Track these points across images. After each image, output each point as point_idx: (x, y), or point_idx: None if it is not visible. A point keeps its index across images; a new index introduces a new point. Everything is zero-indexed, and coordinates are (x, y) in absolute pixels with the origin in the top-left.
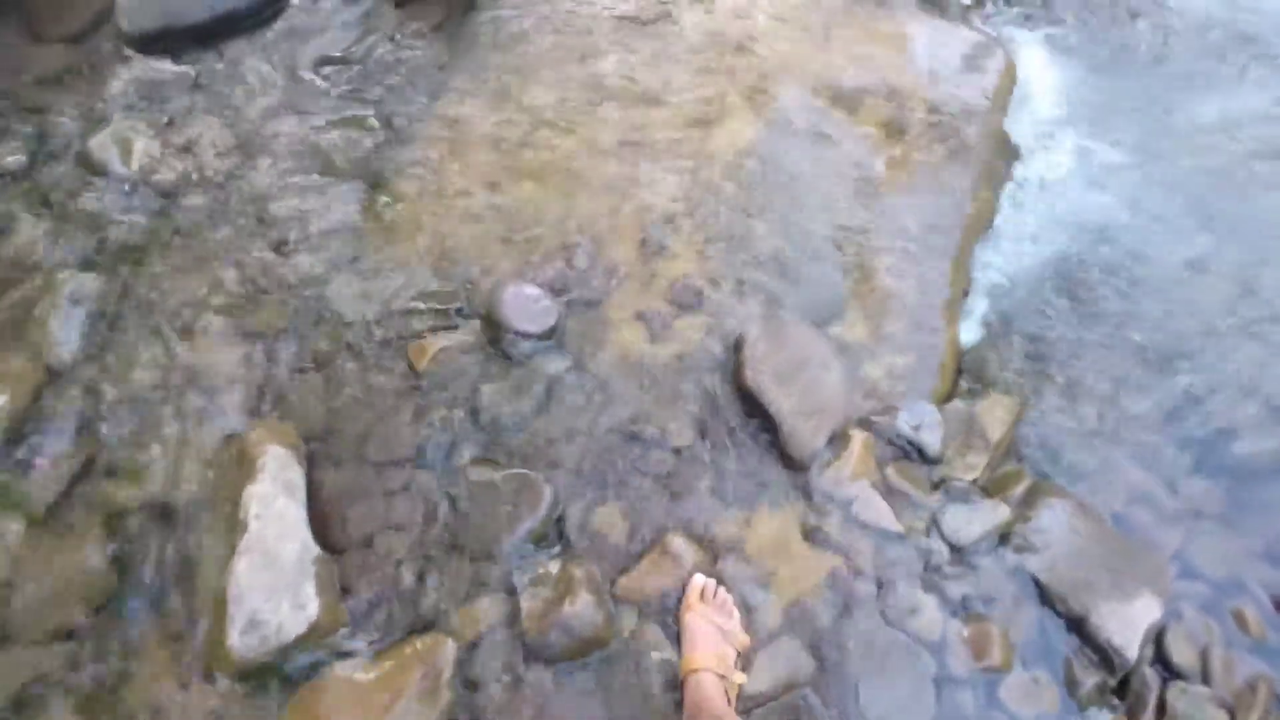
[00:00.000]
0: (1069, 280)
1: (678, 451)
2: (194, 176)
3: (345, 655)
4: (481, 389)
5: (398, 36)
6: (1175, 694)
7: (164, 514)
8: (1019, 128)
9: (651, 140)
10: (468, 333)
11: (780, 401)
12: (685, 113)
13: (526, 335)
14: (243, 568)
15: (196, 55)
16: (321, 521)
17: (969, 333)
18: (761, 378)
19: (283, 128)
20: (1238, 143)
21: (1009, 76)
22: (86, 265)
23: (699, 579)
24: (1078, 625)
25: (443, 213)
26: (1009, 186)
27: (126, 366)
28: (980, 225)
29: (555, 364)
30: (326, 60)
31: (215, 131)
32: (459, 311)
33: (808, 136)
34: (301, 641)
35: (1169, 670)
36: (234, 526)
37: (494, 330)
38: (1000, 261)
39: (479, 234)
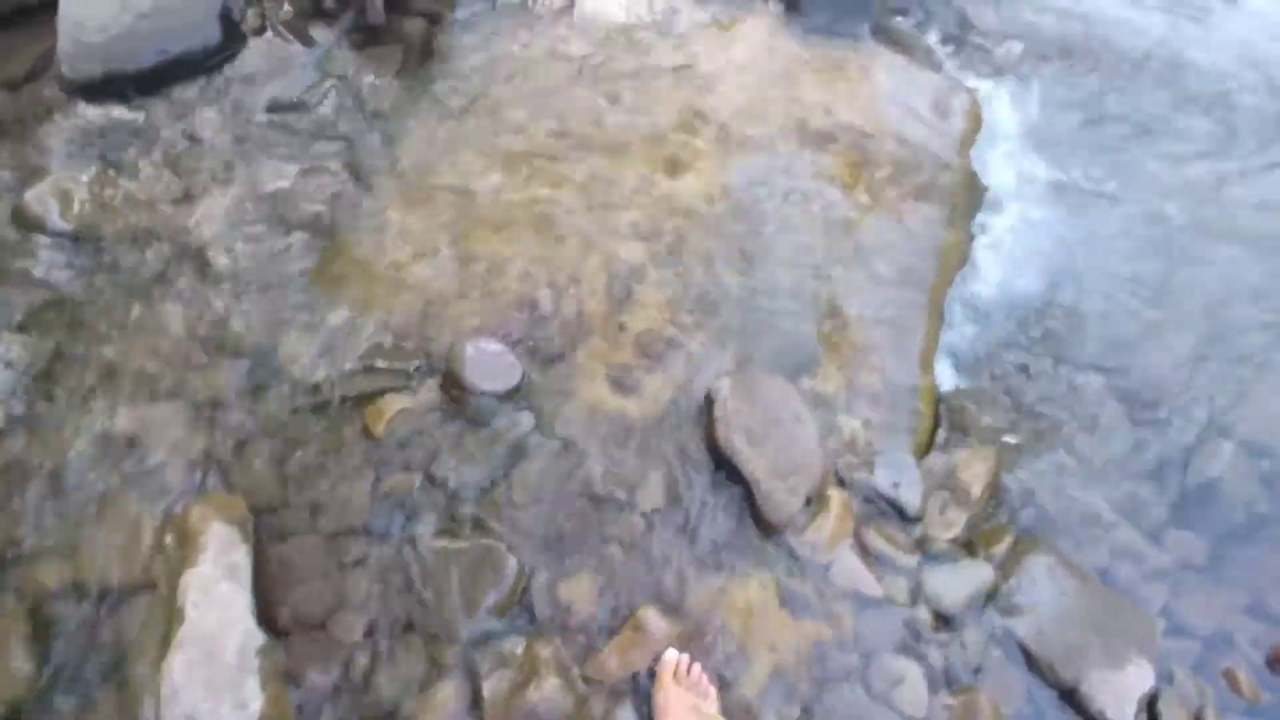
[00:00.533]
0: (1044, 321)
1: (648, 515)
2: (138, 229)
3: None
4: (442, 453)
5: (355, 82)
6: None
7: (96, 599)
8: (988, 168)
9: (618, 188)
10: (427, 392)
11: (754, 462)
12: (651, 159)
13: (489, 394)
14: (179, 663)
15: (143, 101)
16: (269, 601)
17: (946, 378)
18: (734, 437)
19: (233, 176)
20: (1205, 178)
21: (975, 118)
22: (18, 328)
23: (671, 656)
24: (1068, 695)
25: (400, 266)
26: (980, 227)
27: (58, 437)
28: (953, 267)
29: (519, 424)
30: (280, 105)
31: (162, 181)
32: (418, 370)
33: (777, 180)
34: None
35: None
36: (171, 615)
37: (455, 389)
38: (974, 303)
39: (439, 288)
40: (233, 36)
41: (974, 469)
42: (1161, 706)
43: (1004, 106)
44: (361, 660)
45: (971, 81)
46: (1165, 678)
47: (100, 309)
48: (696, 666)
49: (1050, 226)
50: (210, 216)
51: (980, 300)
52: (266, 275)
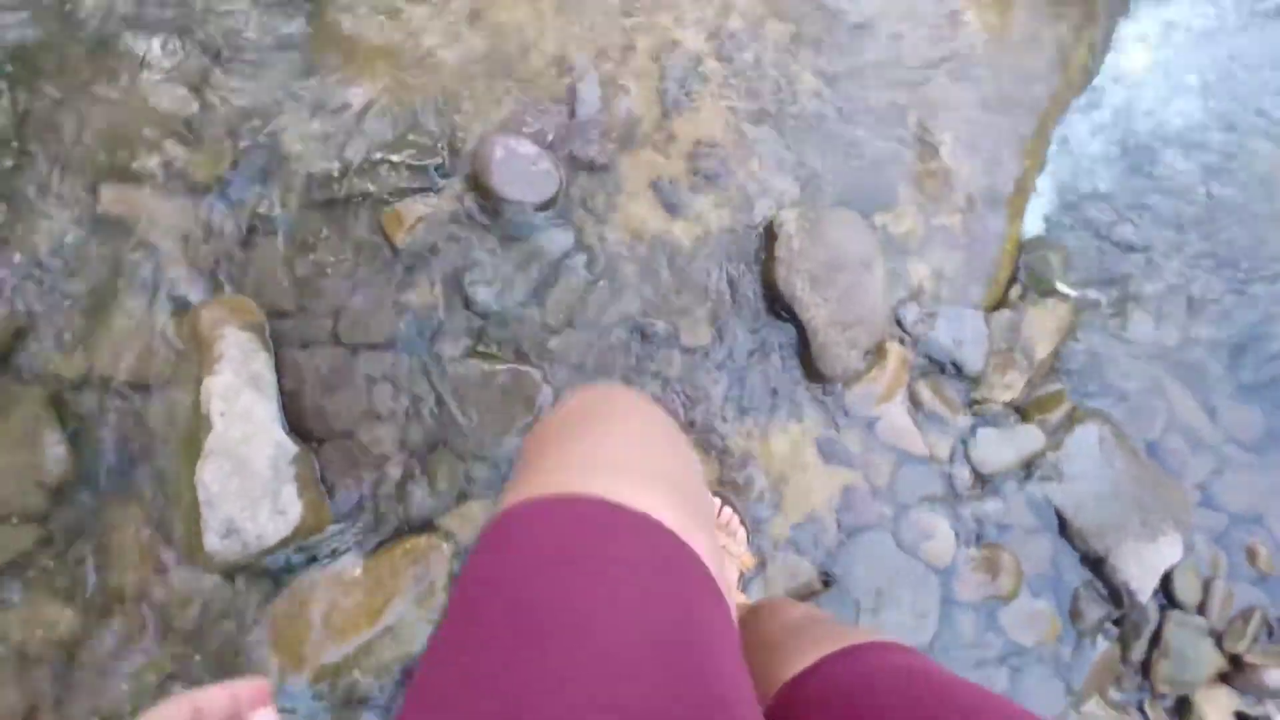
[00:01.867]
0: (1159, 174)
1: (691, 352)
2: None
3: (333, 553)
4: (469, 267)
5: None
6: (1171, 626)
7: (116, 392)
8: None
9: None
10: (450, 197)
11: (814, 310)
12: None
13: (521, 204)
14: (211, 473)
15: None
16: (296, 408)
17: (1033, 223)
18: (795, 281)
19: None
20: None
21: None
22: None
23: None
24: (1094, 563)
25: (413, 31)
26: (1113, 44)
27: (40, 216)
28: (1071, 91)
29: (554, 240)
30: None
31: None
32: (439, 169)
33: None
34: (286, 542)
35: (1170, 601)
36: (197, 422)
37: (482, 196)
38: (1083, 140)
39: (459, 64)
40: None
41: (1043, 328)
42: (1176, 573)
43: None
44: (394, 473)
45: None
46: (1187, 548)
47: (64, 65)
48: (727, 509)
49: (1202, 49)
50: None
51: (1092, 134)
52: (253, 35)
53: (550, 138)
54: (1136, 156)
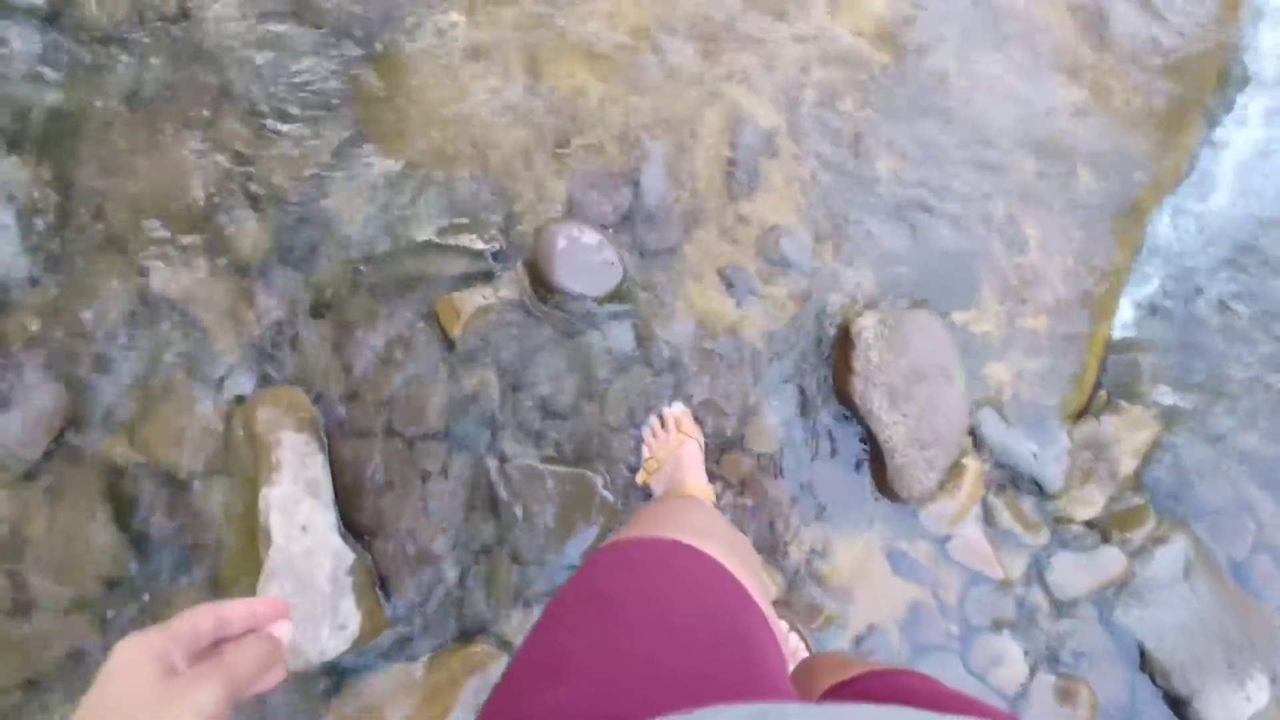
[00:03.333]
0: (1260, 270)
1: (758, 457)
2: (129, 17)
3: (390, 655)
4: (527, 360)
5: None
6: None
7: (169, 480)
8: (1258, 42)
9: (752, 9)
10: (508, 286)
11: (893, 429)
12: None
13: (582, 297)
14: (274, 594)
15: None
16: (349, 502)
17: (1124, 319)
18: (873, 396)
19: None
20: None
21: None
22: (10, 145)
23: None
24: (1175, 703)
25: (465, 100)
26: (1220, 131)
27: (89, 295)
28: (1172, 181)
29: (616, 333)
30: None
31: None
32: (495, 255)
33: (972, 21)
34: (345, 653)
35: None
36: (255, 526)
37: (542, 287)
38: (1181, 231)
39: (515, 137)
40: None
41: (1128, 438)
42: None
43: None
44: (450, 574)
45: None
46: (1274, 684)
47: (103, 128)
48: (794, 635)
49: None
50: (219, 4)
51: (1192, 225)
52: (300, 104)
53: (613, 219)
54: (1237, 250)
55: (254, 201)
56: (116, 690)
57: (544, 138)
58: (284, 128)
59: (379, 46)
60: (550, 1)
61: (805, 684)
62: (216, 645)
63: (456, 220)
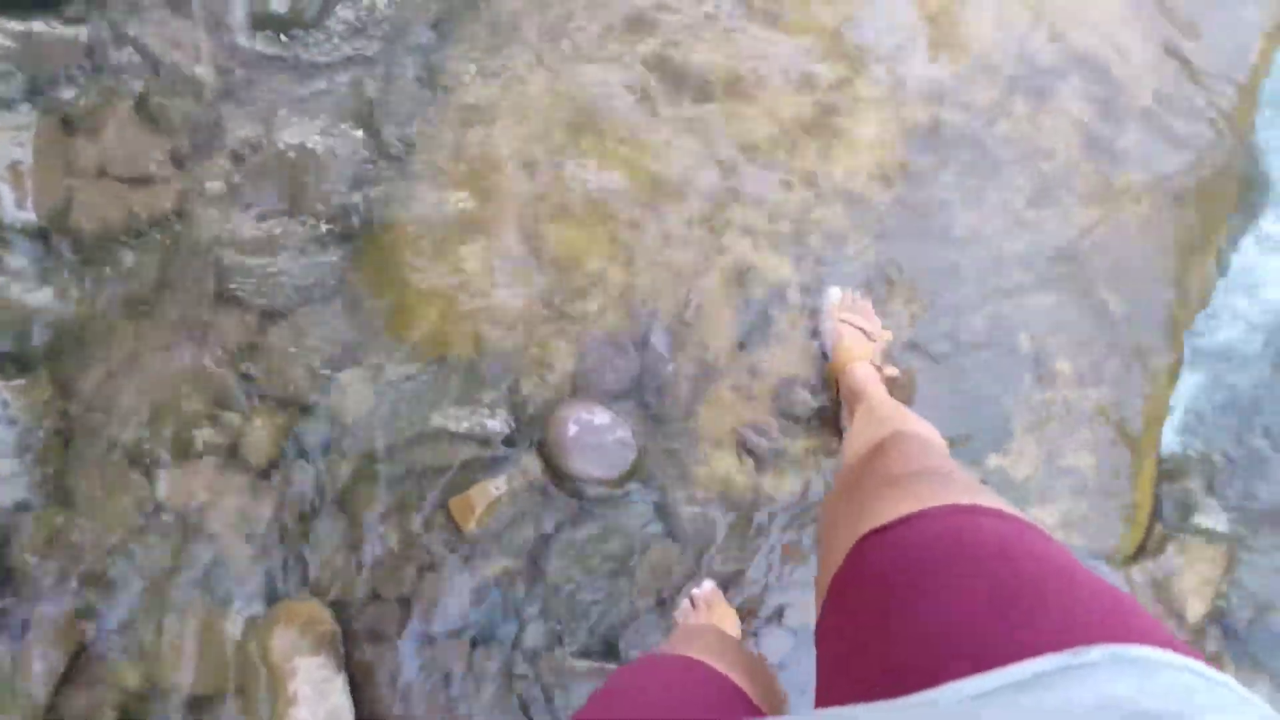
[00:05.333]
0: None
1: (796, 632)
2: (122, 221)
3: None
4: (546, 547)
5: None
6: None
7: (183, 704)
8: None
9: (742, 154)
10: (521, 474)
11: None
12: (790, 108)
13: (598, 482)
14: None
15: (80, 8)
16: (372, 710)
17: (1174, 440)
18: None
19: (223, 140)
20: None
21: (1266, 54)
22: (10, 362)
23: (836, 292)
24: None
25: (464, 276)
26: (1249, 237)
27: (97, 510)
28: (1202, 294)
29: (637, 510)
30: (271, 22)
31: (132, 141)
32: (505, 441)
33: (974, 155)
34: None
35: None
36: None
37: (555, 474)
38: (1223, 340)
39: (517, 310)
40: None
41: (1194, 578)
42: None
43: None
44: None
45: None
46: None
47: (104, 336)
48: (859, 295)
49: None
50: (208, 192)
51: (1235, 331)
52: (300, 293)
53: (623, 386)
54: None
55: (259, 400)
56: None
57: (547, 308)
58: (285, 321)
59: (375, 230)
60: (544, 167)
61: (852, 490)
62: None
63: (465, 404)
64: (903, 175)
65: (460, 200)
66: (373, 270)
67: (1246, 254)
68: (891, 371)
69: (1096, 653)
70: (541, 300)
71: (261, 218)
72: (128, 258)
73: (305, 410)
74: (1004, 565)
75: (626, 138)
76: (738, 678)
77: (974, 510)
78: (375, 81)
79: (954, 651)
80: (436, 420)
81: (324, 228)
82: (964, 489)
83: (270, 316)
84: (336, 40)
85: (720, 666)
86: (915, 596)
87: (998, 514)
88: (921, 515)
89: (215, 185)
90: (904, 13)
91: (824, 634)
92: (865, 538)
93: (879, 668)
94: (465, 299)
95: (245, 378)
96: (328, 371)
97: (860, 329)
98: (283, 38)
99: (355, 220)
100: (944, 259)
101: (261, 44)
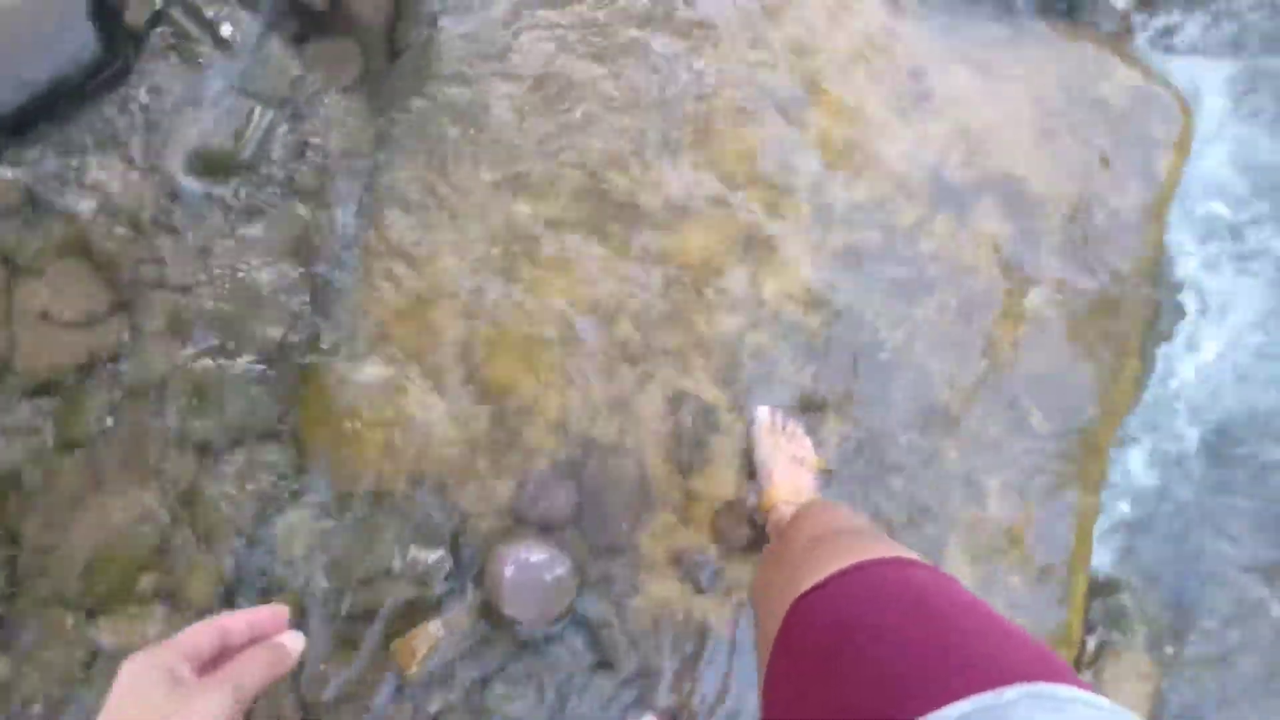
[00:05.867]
0: (1244, 472)
1: None
2: (69, 362)
3: None
4: (487, 689)
5: (300, 104)
6: None
7: None
8: (1188, 238)
9: (673, 280)
10: (461, 615)
11: None
12: (721, 230)
13: (536, 623)
14: None
15: (16, 154)
16: None
17: (1104, 558)
18: None
19: (172, 268)
20: None
21: (1183, 149)
22: None
23: (765, 412)
24: None
25: (401, 411)
26: (1168, 345)
27: (39, 664)
28: (1124, 411)
29: (577, 643)
30: (208, 163)
31: (73, 279)
32: (447, 578)
33: (898, 274)
34: None
35: None
36: None
37: (496, 617)
38: (1147, 458)
39: (455, 444)
40: (117, 40)
41: (1129, 692)
42: None
43: (1223, 117)
44: None
45: (1185, 71)
46: None
47: (48, 479)
48: (792, 421)
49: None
50: (150, 339)
51: (1157, 447)
52: (240, 432)
53: (561, 516)
54: (1209, 464)
55: (202, 539)
56: (129, 704)
57: (485, 440)
58: (226, 460)
59: (313, 367)
60: (480, 298)
61: (782, 558)
62: (222, 656)
63: (404, 542)
64: (829, 297)
65: (397, 334)
66: (312, 407)
67: (1166, 363)
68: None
69: (1014, 692)
70: (480, 433)
71: (202, 356)
72: (69, 400)
73: (247, 550)
74: (937, 613)
75: (560, 267)
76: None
77: (901, 562)
78: (312, 218)
79: (904, 693)
80: (377, 559)
81: (261, 366)
82: (888, 545)
83: (212, 455)
84: (274, 178)
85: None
86: (862, 642)
87: (923, 566)
88: (857, 569)
89: (156, 324)
90: (821, 140)
91: (770, 685)
92: (805, 595)
93: (829, 710)
94: (403, 435)
95: (188, 520)
96: (269, 511)
97: (793, 456)
98: (221, 177)
99: (294, 357)
100: (872, 379)
101: (200, 183)
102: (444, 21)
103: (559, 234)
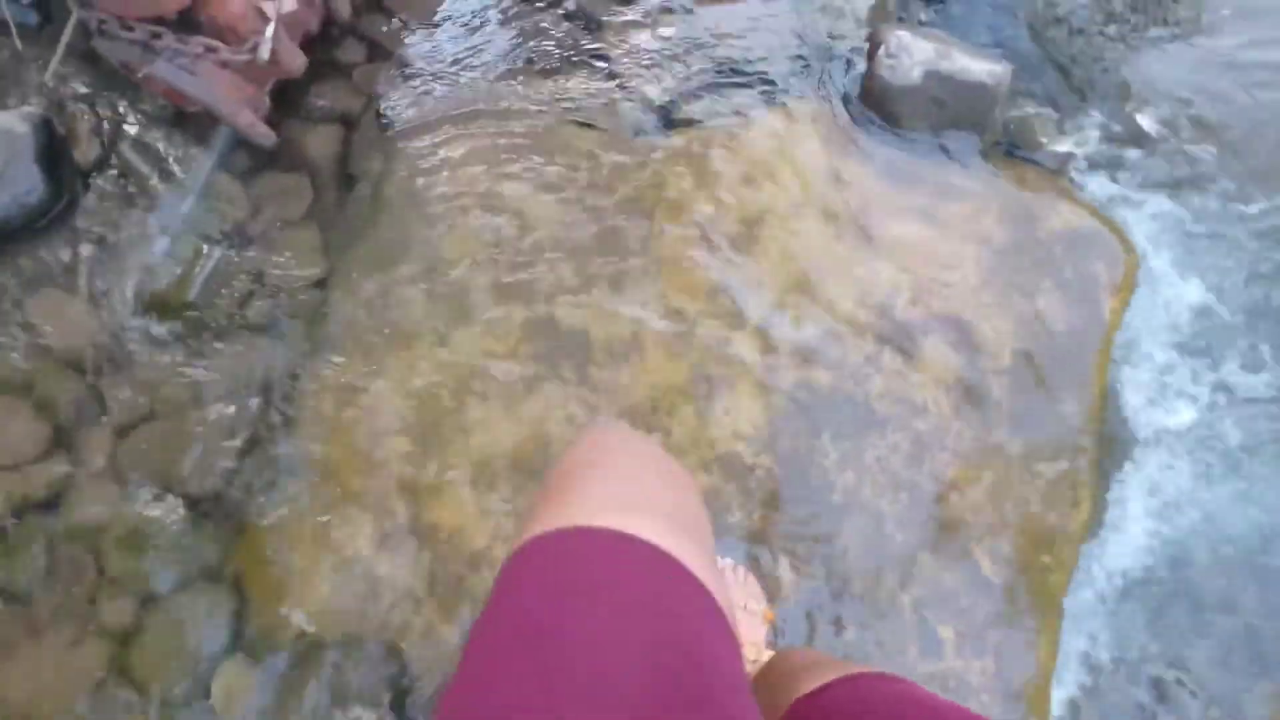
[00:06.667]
0: (1199, 603)
1: None
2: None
3: None
4: None
5: (250, 240)
6: None
7: None
8: (1136, 376)
9: (622, 419)
10: None
11: None
12: (668, 369)
13: None
14: None
15: None
16: None
17: (1059, 710)
18: None
19: (114, 410)
20: None
21: (1127, 292)
22: None
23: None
24: None
25: (343, 556)
26: (1118, 490)
27: None
28: (1073, 564)
29: None
30: (149, 296)
31: (14, 422)
32: None
33: (847, 415)
34: None
35: None
36: None
37: None
38: (1104, 610)
39: (401, 590)
40: (65, 179)
41: None
42: None
43: (1168, 253)
44: None
45: (1127, 206)
46: None
47: None
48: (741, 568)
49: (1228, 479)
50: (90, 482)
51: (1113, 597)
52: (181, 576)
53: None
54: (1169, 590)
55: (139, 690)
56: None
57: (432, 587)
58: (164, 606)
59: (254, 511)
60: (426, 441)
61: (770, 691)
62: None
63: (348, 691)
64: (779, 437)
65: (341, 476)
66: (252, 553)
67: (1118, 506)
68: (768, 654)
69: None
70: (425, 578)
71: (142, 499)
72: (3, 544)
73: (186, 703)
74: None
75: (509, 405)
76: (683, 550)
77: (884, 677)
78: (258, 357)
79: None
80: (320, 710)
81: (203, 509)
82: (862, 664)
83: (150, 602)
84: (220, 317)
85: (662, 539)
86: None
87: (901, 680)
88: (846, 680)
89: (96, 465)
90: (768, 278)
91: None
92: (798, 702)
93: None
94: (347, 579)
95: (124, 669)
96: (206, 662)
97: (741, 603)
98: (167, 315)
99: (236, 500)
100: (825, 523)
101: (145, 322)
102: (395, 158)
103: (507, 370)
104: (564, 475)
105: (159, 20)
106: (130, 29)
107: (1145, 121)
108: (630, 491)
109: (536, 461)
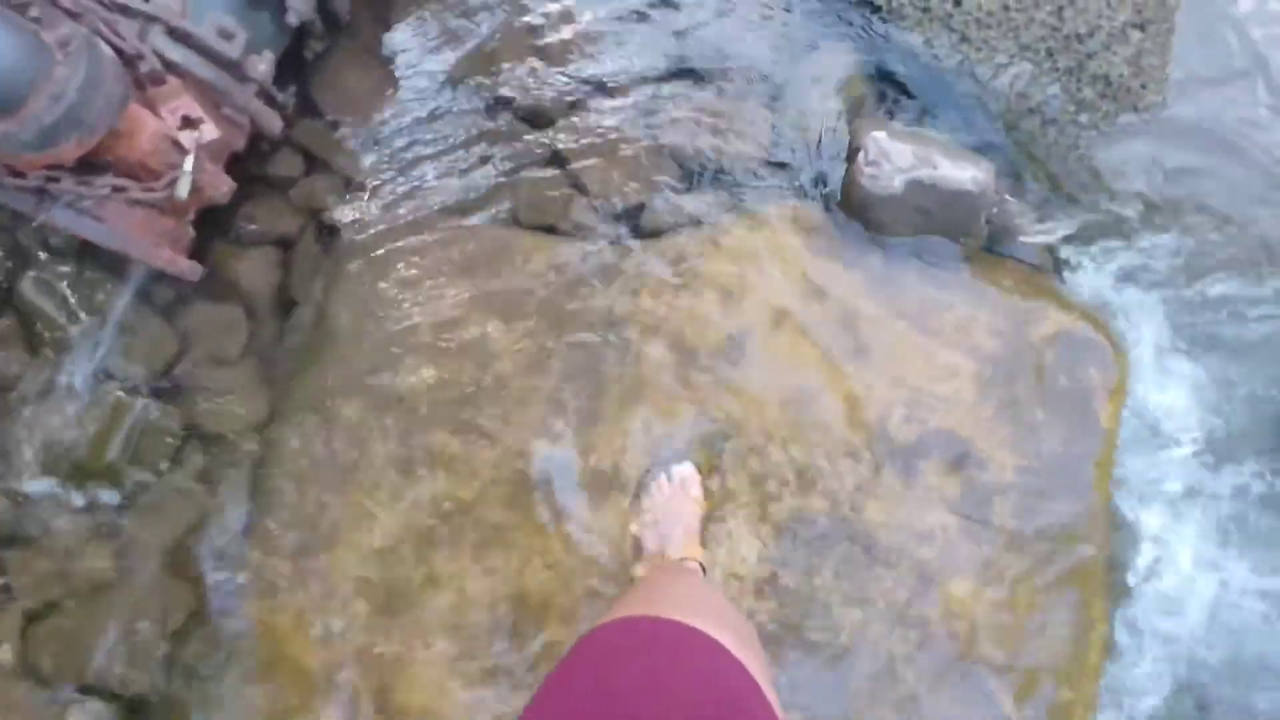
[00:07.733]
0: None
1: None
2: None
3: None
4: None
5: (177, 382)
6: None
7: None
8: (1137, 482)
9: (605, 569)
10: None
11: None
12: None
13: None
14: None
15: None
16: None
17: None
18: None
19: (10, 596)
20: None
21: (1119, 398)
22: None
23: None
24: None
25: None
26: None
27: None
28: (1094, 676)
29: None
30: (59, 459)
31: None
32: None
33: (849, 549)
34: None
35: None
36: None
37: None
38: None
39: None
40: None
41: None
42: None
43: (1161, 355)
44: None
45: (1114, 302)
46: None
47: None
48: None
49: (1235, 589)
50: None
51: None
52: None
53: None
54: (1191, 692)
55: None
56: None
57: None
58: None
59: (198, 698)
60: (387, 609)
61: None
62: None
63: None
64: (779, 576)
65: (291, 653)
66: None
67: (1131, 625)
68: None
69: None
70: None
71: (59, 696)
72: None
73: None
74: None
75: (480, 556)
76: (729, 641)
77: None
78: (191, 521)
79: None
80: None
81: (132, 706)
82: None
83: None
84: (145, 477)
85: (712, 630)
86: None
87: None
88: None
89: (3, 658)
90: (754, 400)
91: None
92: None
93: None
94: None
95: None
96: None
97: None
98: (79, 480)
99: (173, 687)
100: (829, 671)
101: (54, 488)
102: (339, 281)
103: (476, 517)
104: (649, 585)
105: (56, 166)
106: (21, 175)
107: (1122, 209)
108: (699, 604)
109: (511, 624)
